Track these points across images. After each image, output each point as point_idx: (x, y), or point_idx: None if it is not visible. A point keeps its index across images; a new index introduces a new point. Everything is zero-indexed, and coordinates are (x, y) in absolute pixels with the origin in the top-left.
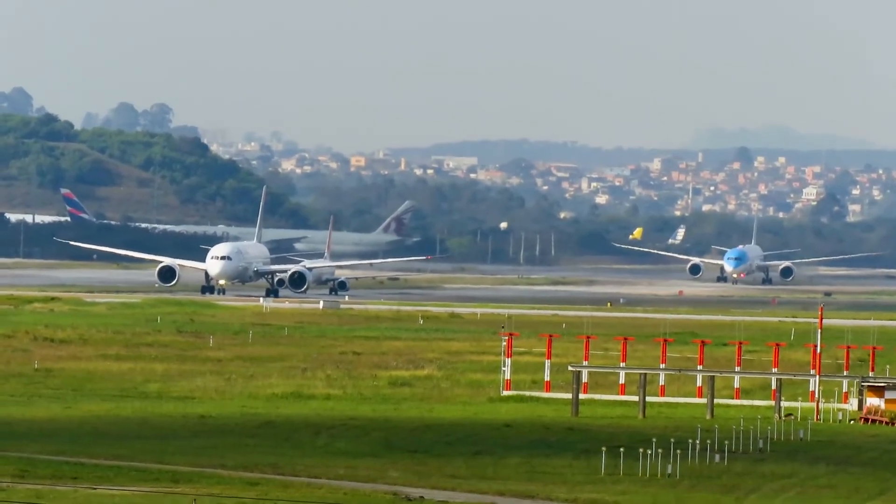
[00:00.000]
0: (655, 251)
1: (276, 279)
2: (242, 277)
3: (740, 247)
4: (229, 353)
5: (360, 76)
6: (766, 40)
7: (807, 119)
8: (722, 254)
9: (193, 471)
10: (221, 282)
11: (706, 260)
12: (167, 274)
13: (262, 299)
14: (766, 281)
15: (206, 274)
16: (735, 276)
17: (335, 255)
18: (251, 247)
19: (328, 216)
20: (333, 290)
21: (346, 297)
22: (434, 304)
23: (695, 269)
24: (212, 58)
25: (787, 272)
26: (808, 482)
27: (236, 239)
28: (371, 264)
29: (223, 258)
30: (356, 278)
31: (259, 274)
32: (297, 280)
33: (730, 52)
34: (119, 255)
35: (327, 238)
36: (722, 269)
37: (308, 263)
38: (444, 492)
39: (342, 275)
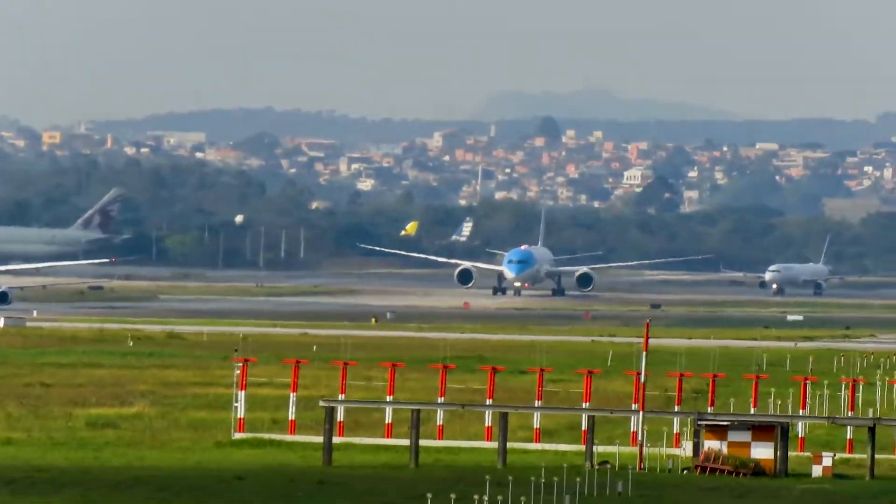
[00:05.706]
0: (416, 255)
1: None
2: None
3: (523, 247)
4: None
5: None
6: None
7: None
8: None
9: None
10: None
11: (480, 265)
12: None
13: None
14: (559, 292)
15: None
16: (517, 284)
17: (21, 257)
18: None
19: (13, 207)
20: None
21: (35, 313)
22: (148, 320)
23: (465, 276)
24: None
25: (585, 280)
26: None
27: None
28: (38, 269)
29: None
30: (21, 287)
31: None
32: None
33: None
34: None
35: (9, 235)
36: (500, 276)
37: None
38: None
39: (3, 283)
